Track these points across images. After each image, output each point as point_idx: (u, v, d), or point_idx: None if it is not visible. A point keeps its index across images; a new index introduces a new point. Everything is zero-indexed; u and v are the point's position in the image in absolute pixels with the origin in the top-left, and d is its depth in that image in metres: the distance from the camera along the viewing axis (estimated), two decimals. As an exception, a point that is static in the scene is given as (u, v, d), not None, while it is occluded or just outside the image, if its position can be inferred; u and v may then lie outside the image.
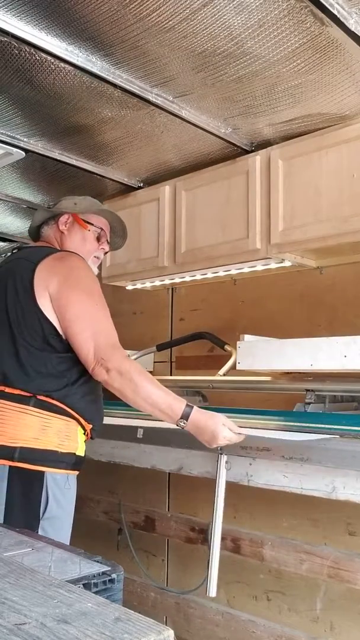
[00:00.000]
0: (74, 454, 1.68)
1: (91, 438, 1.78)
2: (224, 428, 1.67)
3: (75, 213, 1.93)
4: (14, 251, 1.96)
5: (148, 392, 1.61)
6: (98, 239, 1.96)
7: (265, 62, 1.84)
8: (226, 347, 2.56)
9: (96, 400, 1.79)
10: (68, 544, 1.64)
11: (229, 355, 2.50)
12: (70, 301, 1.66)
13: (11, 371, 1.66)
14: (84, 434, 1.73)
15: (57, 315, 1.67)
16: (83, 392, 1.71)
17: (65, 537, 1.66)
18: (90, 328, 1.63)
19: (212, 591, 1.92)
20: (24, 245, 2.04)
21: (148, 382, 1.63)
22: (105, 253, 2.04)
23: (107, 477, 2.91)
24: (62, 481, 1.65)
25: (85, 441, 1.75)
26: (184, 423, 1.64)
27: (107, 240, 2.00)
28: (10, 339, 1.69)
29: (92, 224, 1.95)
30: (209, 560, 2.22)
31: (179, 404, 1.64)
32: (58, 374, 1.67)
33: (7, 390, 1.65)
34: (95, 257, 1.96)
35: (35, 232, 2.00)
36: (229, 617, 2.40)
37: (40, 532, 1.57)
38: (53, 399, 1.65)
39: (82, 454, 1.72)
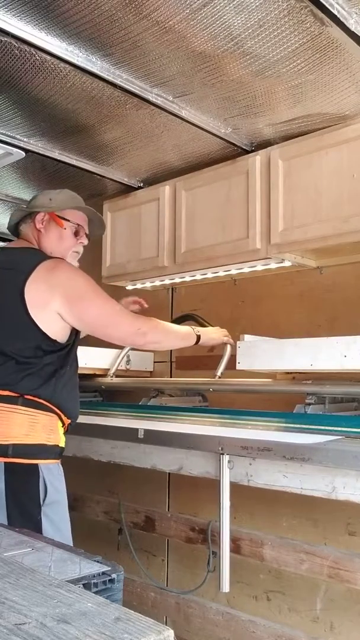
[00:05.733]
0: (58, 445, 1.79)
1: (66, 431, 1.87)
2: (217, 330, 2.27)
3: (50, 212, 1.93)
4: None
5: (172, 331, 2.10)
6: (76, 233, 1.97)
7: (265, 62, 1.84)
8: None
9: (74, 397, 1.89)
10: (69, 522, 1.77)
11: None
12: (83, 310, 1.80)
13: (2, 377, 1.74)
14: (62, 426, 1.84)
15: (64, 323, 1.77)
16: (66, 391, 1.82)
17: (66, 518, 1.77)
18: (113, 317, 1.87)
19: (225, 586, 1.93)
20: (3, 247, 2.05)
21: (167, 324, 2.11)
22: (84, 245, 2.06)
23: (107, 477, 2.91)
24: (55, 469, 1.76)
25: (64, 433, 1.85)
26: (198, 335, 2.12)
27: (85, 233, 2.00)
28: (1, 348, 1.75)
29: (68, 220, 1.94)
30: (208, 558, 2.22)
31: (189, 330, 2.13)
32: (45, 374, 1.76)
33: None
34: (74, 251, 1.97)
35: (14, 230, 2.02)
36: (229, 617, 2.40)
37: (43, 518, 1.67)
38: (39, 397, 1.74)
39: (63, 445, 1.84)
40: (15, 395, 1.72)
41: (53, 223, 1.93)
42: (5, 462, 1.68)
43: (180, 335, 2.10)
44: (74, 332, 1.85)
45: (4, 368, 1.73)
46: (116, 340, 1.95)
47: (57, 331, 1.76)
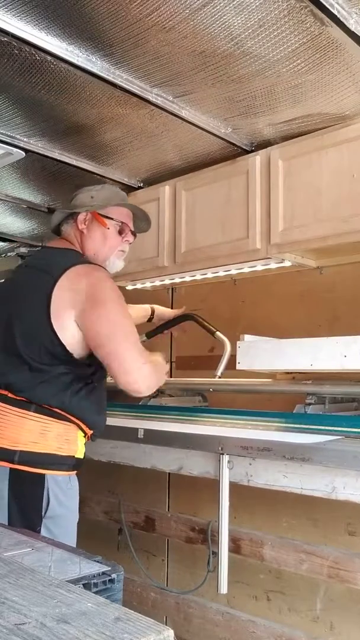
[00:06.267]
0: (73, 456, 1.69)
1: (91, 440, 1.79)
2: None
3: (93, 211, 1.84)
4: (38, 249, 1.91)
5: (155, 374, 1.75)
6: (120, 232, 1.86)
7: (265, 62, 1.84)
8: (217, 334, 2.41)
9: (99, 410, 1.79)
10: (74, 541, 1.68)
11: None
12: (94, 323, 1.63)
13: (17, 382, 1.66)
14: (84, 436, 1.74)
15: (81, 334, 1.64)
16: (87, 403, 1.71)
17: (70, 534, 1.68)
18: (123, 348, 1.63)
19: (224, 588, 1.93)
20: (43, 246, 1.97)
21: (156, 376, 1.76)
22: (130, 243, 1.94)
23: (107, 477, 2.90)
24: (63, 482, 1.66)
25: (85, 443, 1.75)
26: None
27: (131, 231, 1.90)
28: (16, 351, 1.67)
29: (111, 219, 1.84)
30: (208, 558, 2.22)
31: (161, 363, 1.89)
32: (62, 386, 1.67)
33: (10, 395, 1.66)
34: (120, 250, 1.87)
35: (56, 229, 1.93)
36: (229, 617, 2.40)
37: (43, 530, 1.59)
38: (54, 407, 1.66)
39: (82, 457, 1.73)
40: (29, 401, 1.64)
41: (96, 223, 1.83)
42: (10, 468, 1.61)
43: (160, 377, 1.81)
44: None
45: (20, 372, 1.65)
46: (111, 372, 1.68)
47: (73, 343, 1.64)
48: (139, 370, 1.63)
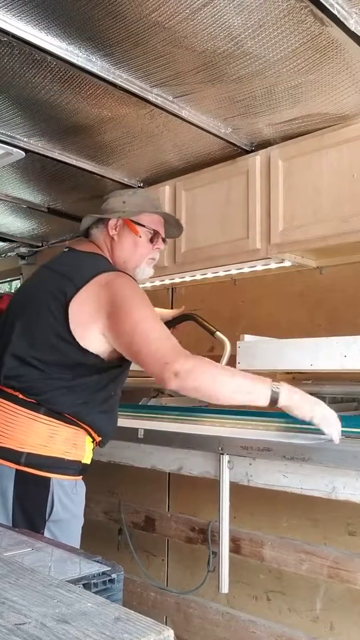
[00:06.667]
0: (80, 462, 1.67)
1: (99, 446, 1.78)
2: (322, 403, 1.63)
3: (125, 217, 1.79)
4: (64, 250, 1.82)
5: (226, 377, 1.56)
6: (151, 239, 1.82)
7: (265, 62, 1.84)
8: (217, 334, 2.37)
9: (111, 418, 1.77)
10: (78, 545, 1.66)
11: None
12: (122, 325, 1.57)
13: (30, 387, 1.64)
14: (92, 442, 1.73)
15: (101, 344, 1.61)
16: (99, 411, 1.69)
17: (74, 538, 1.66)
18: (145, 343, 1.55)
19: (224, 587, 1.93)
20: (69, 247, 1.87)
21: (223, 368, 1.57)
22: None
23: (107, 477, 2.90)
24: (69, 487, 1.65)
25: (92, 449, 1.74)
26: (276, 395, 1.55)
27: (162, 238, 1.85)
28: (31, 356, 1.64)
29: (143, 226, 1.80)
30: (208, 559, 2.21)
31: (263, 384, 1.56)
32: (76, 393, 1.65)
33: (21, 396, 1.64)
34: (150, 258, 1.83)
35: (84, 232, 1.88)
36: (229, 617, 2.40)
37: (46, 534, 1.58)
38: (65, 413, 1.64)
39: (89, 462, 1.72)
40: (39, 403, 1.62)
41: (127, 229, 1.78)
42: (17, 469, 1.60)
43: (241, 388, 1.57)
44: (123, 357, 1.66)
45: (33, 377, 1.63)
46: (149, 372, 1.57)
47: (91, 352, 1.61)
48: (169, 353, 1.52)
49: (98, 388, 1.68)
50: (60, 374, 1.63)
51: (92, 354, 1.61)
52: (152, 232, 1.81)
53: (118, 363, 1.68)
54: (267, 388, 1.55)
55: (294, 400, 1.58)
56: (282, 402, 1.56)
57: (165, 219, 1.88)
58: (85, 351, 1.60)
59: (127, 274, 1.72)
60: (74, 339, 1.59)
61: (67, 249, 1.84)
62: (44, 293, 1.69)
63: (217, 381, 1.54)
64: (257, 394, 1.56)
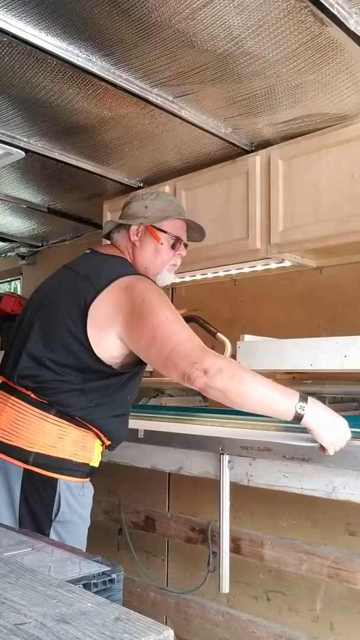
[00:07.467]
0: (88, 464, 1.67)
1: (109, 449, 1.77)
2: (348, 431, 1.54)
3: (147, 224, 1.78)
4: (86, 252, 1.82)
5: (254, 384, 1.50)
6: (173, 245, 1.80)
7: (265, 62, 1.84)
8: (218, 335, 2.41)
9: (122, 422, 1.76)
10: (84, 546, 1.66)
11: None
12: (143, 327, 1.54)
13: (43, 385, 1.64)
14: (102, 445, 1.72)
15: (117, 348, 1.60)
16: (111, 415, 1.69)
17: (80, 540, 1.66)
18: (169, 343, 1.51)
19: (225, 587, 1.93)
20: (90, 249, 1.83)
21: (252, 374, 1.51)
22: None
23: (107, 477, 2.90)
24: (76, 488, 1.65)
25: (101, 452, 1.73)
26: (302, 411, 1.48)
27: (184, 244, 1.84)
28: (45, 357, 1.64)
29: (165, 232, 1.78)
30: (208, 558, 2.21)
31: (290, 400, 1.50)
32: (86, 396, 1.65)
33: (33, 396, 1.64)
34: (172, 265, 1.82)
35: (106, 235, 1.88)
36: (229, 617, 2.40)
37: (52, 534, 1.58)
38: (76, 416, 1.64)
39: (97, 465, 1.71)
40: (50, 404, 1.62)
41: (149, 235, 1.77)
42: (25, 468, 1.60)
43: (268, 396, 1.49)
44: (138, 362, 1.66)
45: (47, 378, 1.62)
46: (173, 376, 1.52)
47: (107, 356, 1.60)
48: (196, 352, 1.48)
49: (110, 392, 1.67)
50: (73, 377, 1.62)
51: (103, 362, 1.60)
52: (174, 238, 1.80)
53: (130, 369, 1.67)
54: (292, 406, 1.48)
55: (316, 428, 1.51)
56: (304, 424, 1.51)
57: (188, 224, 1.87)
58: (98, 359, 1.59)
59: (147, 277, 1.71)
60: (89, 344, 1.58)
61: (89, 250, 1.83)
62: (63, 295, 1.68)
63: (244, 388, 1.49)
64: (280, 409, 1.50)
